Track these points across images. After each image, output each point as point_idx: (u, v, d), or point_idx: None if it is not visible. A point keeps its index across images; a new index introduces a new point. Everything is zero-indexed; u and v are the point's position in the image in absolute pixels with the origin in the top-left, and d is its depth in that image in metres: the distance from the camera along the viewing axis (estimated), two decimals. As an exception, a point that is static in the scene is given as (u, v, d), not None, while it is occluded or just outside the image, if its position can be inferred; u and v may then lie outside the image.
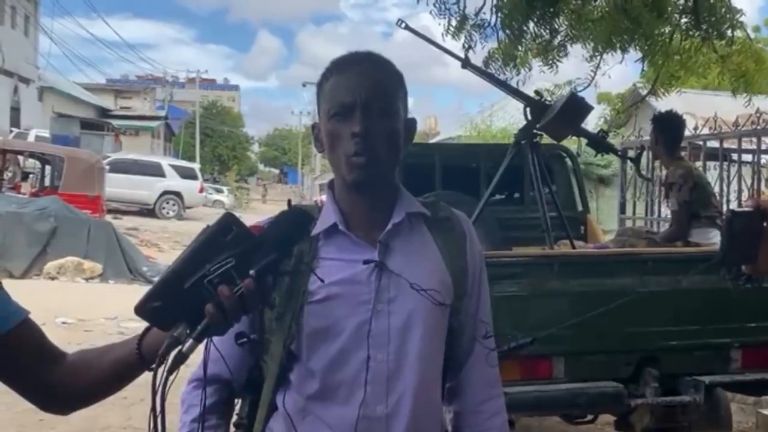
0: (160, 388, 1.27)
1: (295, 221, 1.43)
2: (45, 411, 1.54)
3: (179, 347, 1.28)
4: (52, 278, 13.40)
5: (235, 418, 1.50)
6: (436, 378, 1.79)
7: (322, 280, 1.63)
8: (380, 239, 1.72)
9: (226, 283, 1.28)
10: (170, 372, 1.27)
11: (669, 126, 5.36)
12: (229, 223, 1.32)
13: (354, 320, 1.66)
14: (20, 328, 1.46)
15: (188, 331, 1.29)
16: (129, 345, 1.44)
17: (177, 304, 1.29)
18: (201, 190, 31.50)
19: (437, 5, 6.08)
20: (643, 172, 6.91)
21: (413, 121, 1.81)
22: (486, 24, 6.23)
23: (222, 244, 1.30)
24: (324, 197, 1.82)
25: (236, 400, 1.80)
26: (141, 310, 1.31)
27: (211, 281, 1.28)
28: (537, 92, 5.35)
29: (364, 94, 1.67)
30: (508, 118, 22.77)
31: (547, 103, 5.15)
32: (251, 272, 1.30)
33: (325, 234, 1.73)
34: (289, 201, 1.68)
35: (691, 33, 6.18)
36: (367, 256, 1.70)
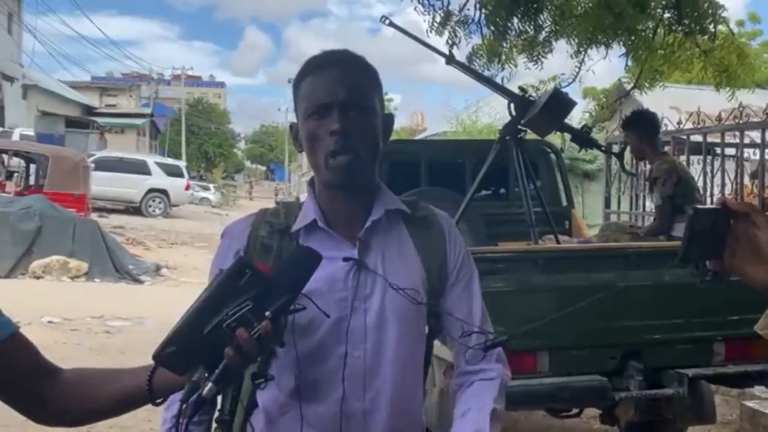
0: (184, 429, 1.31)
1: (306, 261, 1.45)
2: (37, 423, 1.53)
3: (199, 391, 1.30)
4: (38, 277, 13.34)
5: (217, 413, 1.51)
6: (415, 377, 1.81)
7: (295, 298, 1.65)
8: (359, 236, 1.74)
9: (244, 326, 1.30)
10: (192, 416, 1.30)
11: (648, 123, 5.41)
12: (242, 267, 1.34)
13: (332, 317, 1.66)
14: (9, 343, 1.44)
15: (206, 375, 1.31)
16: (137, 378, 1.43)
17: (194, 349, 1.32)
18: (187, 188, 31.32)
19: (421, 1, 6.09)
20: (628, 167, 6.96)
21: (390, 117, 1.83)
22: (470, 20, 6.25)
23: (236, 288, 1.32)
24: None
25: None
26: (159, 356, 1.33)
27: (229, 325, 1.30)
28: (521, 88, 5.38)
29: (342, 92, 1.68)
30: (493, 114, 22.77)
31: (531, 99, 5.17)
32: (267, 314, 1.32)
33: (305, 231, 1.75)
34: (277, 203, 1.69)
35: (673, 28, 6.21)
36: (347, 253, 1.72)
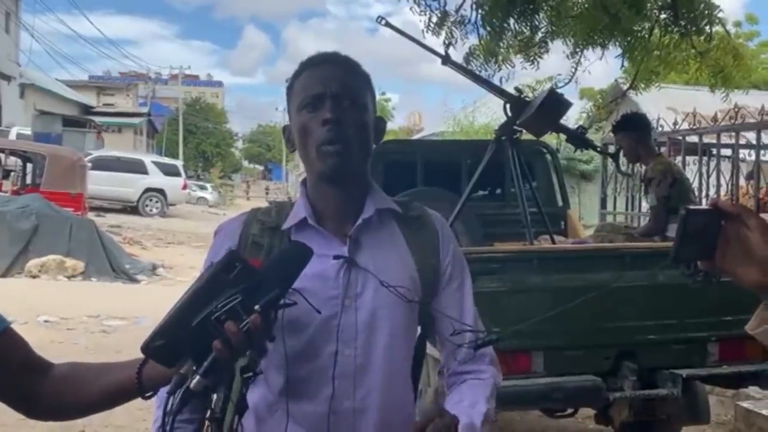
0: (169, 426, 1.31)
1: (297, 255, 1.45)
2: (31, 418, 1.54)
3: (186, 384, 1.30)
4: (34, 276, 13.31)
5: (209, 412, 1.52)
6: (406, 375, 1.81)
7: (285, 293, 1.65)
8: (350, 234, 1.74)
9: (233, 319, 1.30)
10: (179, 410, 1.30)
11: (639, 124, 5.42)
12: (232, 260, 1.34)
13: (322, 314, 1.67)
14: (1, 339, 1.44)
15: (194, 368, 1.31)
16: (127, 371, 1.44)
17: (183, 342, 1.32)
18: (184, 187, 31.31)
19: (417, 1, 6.09)
20: (623, 168, 6.97)
21: (382, 121, 1.84)
22: (467, 20, 6.24)
23: (226, 281, 1.32)
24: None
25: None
26: (147, 348, 1.33)
27: (218, 318, 1.30)
28: (517, 89, 5.39)
29: (335, 85, 1.71)
30: (490, 114, 22.81)
31: (527, 99, 5.18)
32: (256, 308, 1.32)
33: (296, 228, 1.76)
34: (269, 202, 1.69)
35: (669, 29, 6.21)
36: (337, 250, 1.72)
